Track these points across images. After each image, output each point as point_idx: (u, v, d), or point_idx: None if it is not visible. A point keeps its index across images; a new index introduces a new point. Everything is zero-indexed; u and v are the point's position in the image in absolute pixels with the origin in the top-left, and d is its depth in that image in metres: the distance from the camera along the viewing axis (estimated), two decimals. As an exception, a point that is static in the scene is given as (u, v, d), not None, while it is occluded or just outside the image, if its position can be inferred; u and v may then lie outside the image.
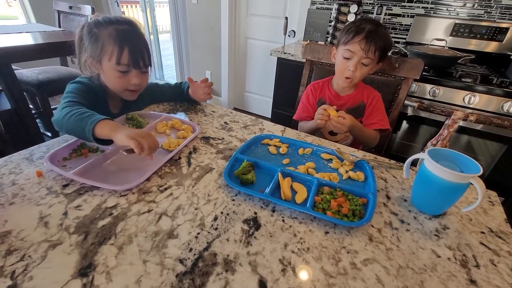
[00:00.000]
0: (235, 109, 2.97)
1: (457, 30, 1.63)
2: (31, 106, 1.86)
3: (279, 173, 0.61)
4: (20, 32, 1.70)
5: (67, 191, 0.55)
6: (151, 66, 0.82)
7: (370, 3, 1.85)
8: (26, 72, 1.78)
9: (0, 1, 3.36)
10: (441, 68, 1.47)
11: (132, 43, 0.75)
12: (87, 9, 1.96)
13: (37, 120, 1.78)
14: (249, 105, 2.90)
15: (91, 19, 0.75)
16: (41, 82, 1.69)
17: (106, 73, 0.77)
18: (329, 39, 1.89)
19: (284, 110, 1.96)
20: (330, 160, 0.72)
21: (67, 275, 0.39)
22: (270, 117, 2.07)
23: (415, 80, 1.10)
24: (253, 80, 2.73)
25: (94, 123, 0.60)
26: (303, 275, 0.42)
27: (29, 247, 0.43)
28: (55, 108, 1.96)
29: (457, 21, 1.62)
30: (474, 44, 1.63)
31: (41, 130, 1.83)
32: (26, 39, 1.56)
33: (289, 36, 2.26)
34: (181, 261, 0.43)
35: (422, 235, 0.51)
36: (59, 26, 2.15)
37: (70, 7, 2.05)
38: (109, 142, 0.63)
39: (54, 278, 0.39)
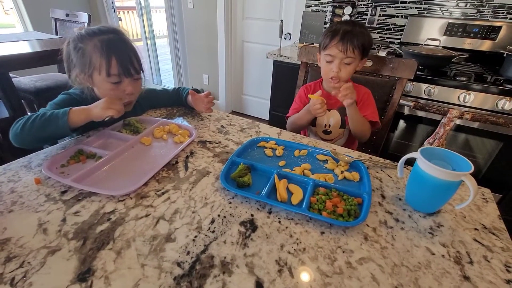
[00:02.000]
0: (233, 112, 2.98)
1: (450, 30, 1.65)
2: (29, 113, 1.86)
3: (275, 175, 0.62)
4: (17, 41, 1.71)
5: (66, 197, 0.56)
6: (143, 71, 0.82)
7: (364, 5, 1.86)
8: (24, 80, 1.79)
9: (-3, 9, 3.38)
10: (435, 68, 1.49)
11: (118, 51, 0.73)
12: (83, 16, 1.98)
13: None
14: (247, 108, 2.91)
15: (75, 33, 0.75)
16: (38, 90, 1.70)
17: (99, 86, 0.77)
18: (324, 41, 1.91)
19: (281, 112, 1.97)
20: (326, 161, 0.73)
21: (66, 280, 0.40)
22: (268, 119, 2.08)
23: (410, 80, 1.11)
24: (251, 82, 2.75)
25: (66, 115, 0.65)
26: (299, 275, 0.43)
27: (28, 254, 0.44)
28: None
29: (450, 21, 1.64)
30: (468, 43, 1.64)
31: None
32: (23, 47, 1.56)
33: (285, 38, 2.28)
34: (178, 264, 0.43)
35: (416, 233, 0.52)
36: (56, 34, 2.17)
37: (67, 15, 2.07)
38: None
39: (53, 284, 0.39)
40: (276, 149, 0.76)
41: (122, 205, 0.55)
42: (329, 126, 1.06)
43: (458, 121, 1.37)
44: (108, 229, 0.49)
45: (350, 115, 0.97)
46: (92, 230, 0.49)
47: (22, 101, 1.61)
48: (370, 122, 1.00)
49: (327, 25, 1.85)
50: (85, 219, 0.51)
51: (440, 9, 1.70)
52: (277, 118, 2.01)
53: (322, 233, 0.51)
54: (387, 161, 0.74)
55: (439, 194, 0.53)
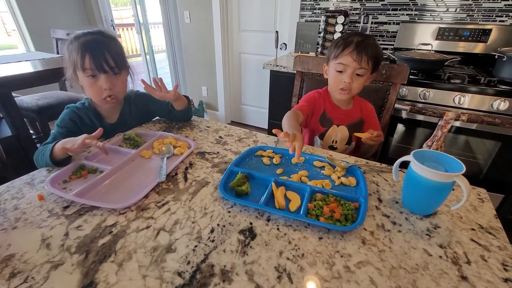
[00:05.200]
0: (232, 122, 3.01)
1: (442, 34, 1.68)
2: (31, 131, 1.89)
3: (273, 183, 0.63)
4: (20, 61, 1.75)
5: (68, 212, 0.57)
6: (122, 68, 0.87)
7: (356, 13, 1.91)
8: (26, 98, 1.83)
9: (0, 31, 3.47)
10: (429, 71, 1.51)
11: (93, 48, 0.80)
12: (84, 35, 2.03)
13: (38, 145, 1.81)
14: (246, 118, 2.93)
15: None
16: (40, 108, 1.73)
17: (82, 84, 0.85)
18: (319, 50, 1.95)
19: (280, 121, 1.97)
20: (323, 167, 0.74)
21: (69, 293, 0.41)
22: (267, 128, 2.10)
23: (406, 84, 1.13)
24: (249, 93, 2.79)
25: (50, 150, 0.71)
26: (298, 281, 0.43)
27: (32, 269, 0.44)
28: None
29: (441, 26, 1.67)
30: (460, 46, 1.67)
31: (42, 155, 1.85)
32: (26, 67, 1.60)
33: (280, 49, 2.32)
34: (179, 274, 0.44)
35: (413, 235, 0.52)
36: (57, 53, 2.22)
37: (67, 34, 2.12)
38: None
39: (57, 297, 0.40)
40: (274, 157, 0.77)
41: (123, 218, 0.56)
42: (336, 142, 1.04)
43: (456, 123, 1.38)
44: (110, 242, 0.50)
45: (366, 147, 1.00)
46: (94, 243, 0.49)
47: (25, 119, 1.64)
48: None
49: (321, 34, 1.89)
50: (87, 233, 0.52)
51: (430, 15, 1.74)
52: (276, 127, 2.01)
53: (320, 238, 0.51)
54: (383, 165, 0.75)
55: (434, 196, 0.54)
